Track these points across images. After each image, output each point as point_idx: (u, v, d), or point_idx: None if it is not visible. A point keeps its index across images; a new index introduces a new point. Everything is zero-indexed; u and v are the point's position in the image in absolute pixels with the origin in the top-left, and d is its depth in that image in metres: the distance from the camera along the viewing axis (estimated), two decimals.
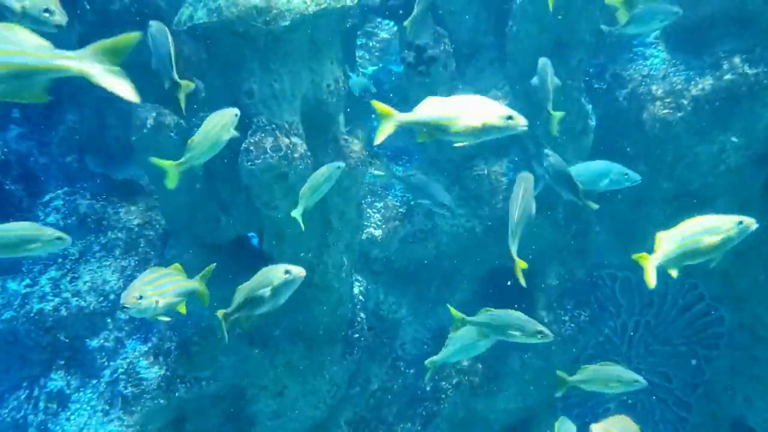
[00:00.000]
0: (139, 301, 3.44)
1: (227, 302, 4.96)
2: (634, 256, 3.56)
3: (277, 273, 3.58)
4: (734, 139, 5.08)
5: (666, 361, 5.89)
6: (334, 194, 4.84)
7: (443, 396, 5.55)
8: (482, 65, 5.59)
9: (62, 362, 5.28)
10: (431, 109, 3.18)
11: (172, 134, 4.75)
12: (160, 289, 3.57)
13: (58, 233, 3.66)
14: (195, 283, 3.88)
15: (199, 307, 5.00)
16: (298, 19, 4.28)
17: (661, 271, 3.89)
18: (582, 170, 4.70)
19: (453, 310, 4.18)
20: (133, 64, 5.47)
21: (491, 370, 5.57)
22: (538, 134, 5.39)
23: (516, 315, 4.08)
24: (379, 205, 5.70)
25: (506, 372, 5.59)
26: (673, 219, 5.44)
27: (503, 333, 4.08)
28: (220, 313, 3.66)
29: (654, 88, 5.26)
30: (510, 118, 3.05)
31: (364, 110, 6.13)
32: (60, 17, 3.18)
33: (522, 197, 3.81)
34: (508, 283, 5.51)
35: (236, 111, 3.91)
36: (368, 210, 5.62)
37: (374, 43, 6.77)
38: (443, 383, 5.56)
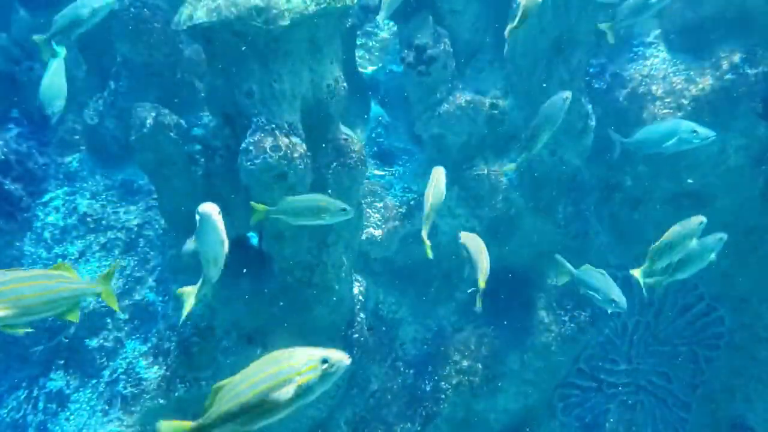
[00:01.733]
0: None
1: (227, 303, 4.99)
2: None
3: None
4: (689, 181, 5.18)
5: (666, 361, 5.89)
6: (334, 194, 4.84)
7: (443, 396, 5.55)
8: (482, 65, 5.58)
9: (61, 362, 5.28)
10: None
11: (171, 134, 4.75)
12: (9, 295, 2.88)
13: (343, 205, 4.02)
14: (90, 285, 3.33)
15: (199, 307, 5.01)
16: (298, 18, 4.27)
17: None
18: (651, 130, 4.53)
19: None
20: (138, 65, 5.46)
21: (491, 371, 5.57)
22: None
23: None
24: (379, 205, 5.69)
25: (506, 372, 5.58)
26: (673, 219, 5.48)
27: None
28: None
29: (654, 88, 5.26)
30: None
31: (362, 110, 6.14)
32: None
33: (435, 186, 4.29)
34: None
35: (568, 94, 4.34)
36: (368, 210, 5.61)
37: (374, 43, 6.77)
38: (443, 383, 5.56)
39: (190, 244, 3.75)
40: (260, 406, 2.20)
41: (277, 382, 2.20)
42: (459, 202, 5.52)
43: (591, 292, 4.49)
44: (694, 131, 4.37)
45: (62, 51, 4.69)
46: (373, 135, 6.36)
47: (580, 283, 4.56)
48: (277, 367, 2.24)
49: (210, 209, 3.49)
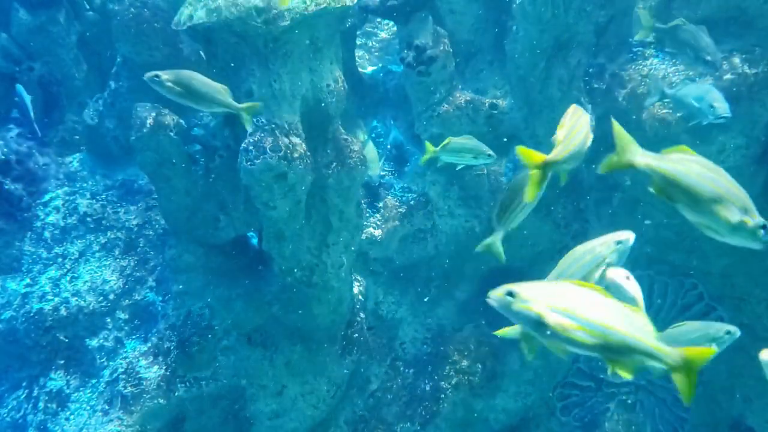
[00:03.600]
0: None
1: (227, 303, 5.00)
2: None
3: None
4: (647, 222, 5.21)
5: None
6: (334, 194, 4.85)
7: (443, 396, 5.55)
8: (481, 65, 5.59)
9: (61, 362, 5.28)
10: None
11: (171, 134, 4.76)
12: None
13: (489, 151, 4.64)
14: None
15: (198, 307, 5.02)
16: (298, 19, 4.28)
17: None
18: (686, 90, 4.44)
19: None
20: (138, 65, 5.48)
21: (491, 370, 5.57)
22: (538, 134, 5.40)
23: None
24: (379, 205, 5.70)
25: (506, 372, 5.59)
26: (672, 219, 5.48)
27: None
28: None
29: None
30: None
31: (363, 110, 6.14)
32: None
33: None
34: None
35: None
36: (368, 210, 5.62)
37: (374, 43, 6.78)
38: (443, 383, 5.56)
39: None
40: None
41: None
42: (459, 202, 5.53)
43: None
44: (712, 106, 4.18)
45: None
46: (373, 135, 6.37)
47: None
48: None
49: None
